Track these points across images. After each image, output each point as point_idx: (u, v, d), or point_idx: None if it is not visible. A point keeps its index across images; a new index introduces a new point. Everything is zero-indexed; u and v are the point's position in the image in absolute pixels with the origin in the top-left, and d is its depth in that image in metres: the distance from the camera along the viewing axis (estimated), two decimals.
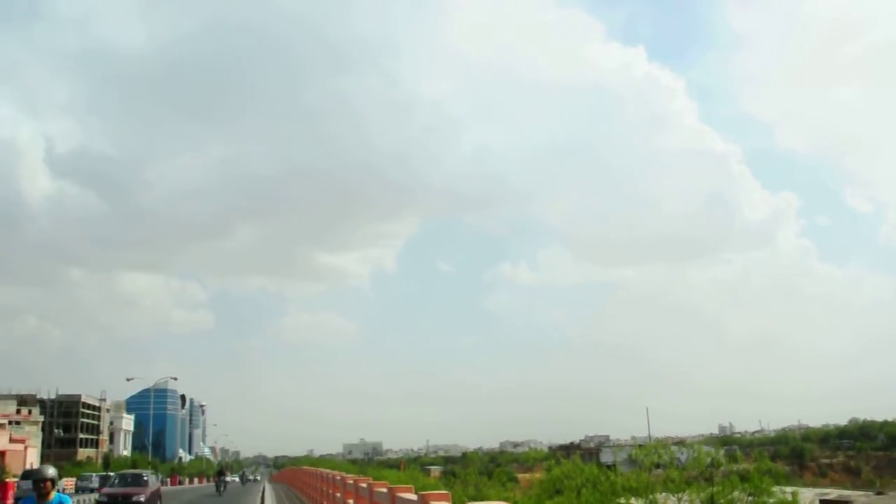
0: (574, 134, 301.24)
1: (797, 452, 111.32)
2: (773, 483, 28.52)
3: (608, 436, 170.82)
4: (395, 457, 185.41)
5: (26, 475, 37.39)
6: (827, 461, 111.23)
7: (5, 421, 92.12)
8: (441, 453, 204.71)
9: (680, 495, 26.66)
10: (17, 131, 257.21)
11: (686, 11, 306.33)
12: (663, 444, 43.57)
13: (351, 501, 12.65)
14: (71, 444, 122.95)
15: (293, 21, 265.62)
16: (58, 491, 8.35)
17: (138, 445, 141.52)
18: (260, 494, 36.56)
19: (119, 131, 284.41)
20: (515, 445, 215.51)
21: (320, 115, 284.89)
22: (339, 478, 15.45)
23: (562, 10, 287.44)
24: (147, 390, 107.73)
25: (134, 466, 76.69)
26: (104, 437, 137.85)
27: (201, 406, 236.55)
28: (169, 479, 77.47)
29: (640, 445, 40.46)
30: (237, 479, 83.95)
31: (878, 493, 60.51)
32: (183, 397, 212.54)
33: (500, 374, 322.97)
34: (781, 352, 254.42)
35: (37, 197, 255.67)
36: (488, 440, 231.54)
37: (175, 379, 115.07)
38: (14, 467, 62.00)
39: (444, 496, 6.57)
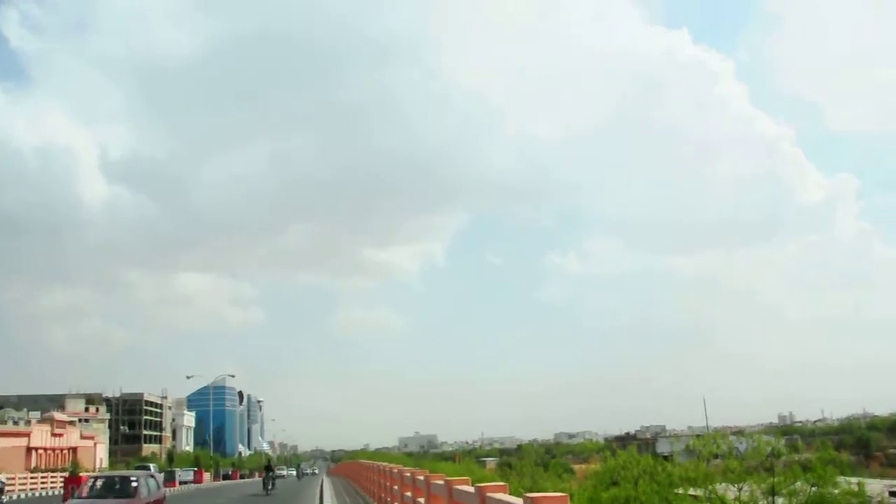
0: (619, 121, 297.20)
1: (862, 442, 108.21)
2: (838, 473, 27.85)
3: (664, 426, 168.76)
4: (450, 449, 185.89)
5: None
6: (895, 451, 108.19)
7: (76, 419, 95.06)
8: (496, 445, 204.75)
9: (740, 486, 26.27)
10: (74, 139, 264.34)
11: None
12: (721, 433, 43.00)
13: (408, 494, 12.79)
14: (136, 440, 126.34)
15: (332, 19, 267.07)
16: None
17: (199, 441, 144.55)
18: (318, 489, 36.75)
19: (168, 135, 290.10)
20: (570, 437, 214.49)
21: (363, 110, 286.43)
22: (395, 471, 15.63)
23: None
24: (206, 387, 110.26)
25: (196, 462, 78.38)
26: (167, 433, 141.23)
27: (258, 402, 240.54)
28: (231, 473, 78.99)
29: (697, 435, 40.03)
30: (293, 474, 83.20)
31: None
32: (241, 394, 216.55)
33: (553, 365, 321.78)
34: (843, 338, 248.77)
35: (94, 202, 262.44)
36: (543, 432, 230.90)
37: (233, 376, 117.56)
38: (85, 462, 64.01)
39: (502, 487, 6.64)
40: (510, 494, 6.45)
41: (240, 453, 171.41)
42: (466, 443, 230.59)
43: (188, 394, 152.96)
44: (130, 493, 18.55)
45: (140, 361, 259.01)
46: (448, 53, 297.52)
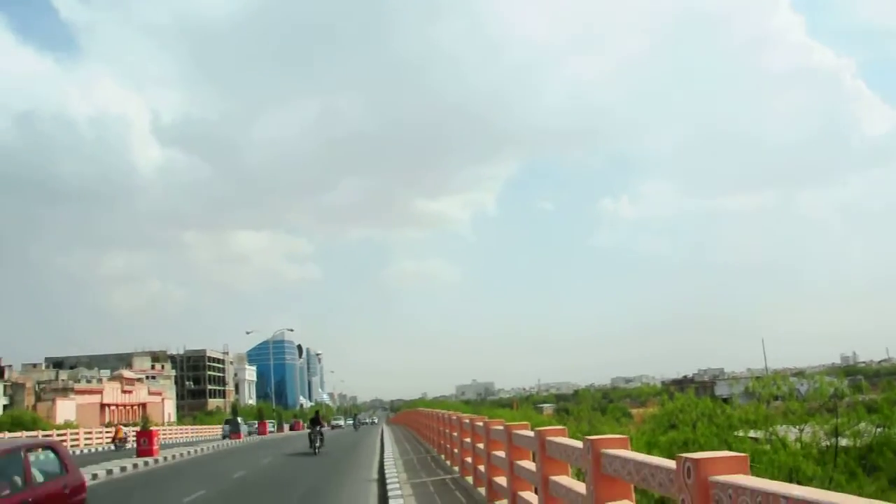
0: (671, 62, 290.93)
1: None
2: None
3: (722, 369, 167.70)
4: (507, 396, 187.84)
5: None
6: None
7: (143, 376, 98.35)
8: (552, 391, 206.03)
9: (801, 427, 25.98)
10: (126, 106, 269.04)
11: None
12: (781, 375, 42.42)
13: (468, 440, 13.00)
14: (201, 395, 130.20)
15: None
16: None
17: (262, 394, 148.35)
18: (378, 439, 37.13)
19: (218, 96, 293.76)
20: (627, 381, 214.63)
21: (413, 62, 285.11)
22: (454, 418, 15.87)
23: None
24: (266, 342, 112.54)
25: (260, 414, 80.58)
26: (230, 387, 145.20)
27: (317, 355, 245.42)
28: (294, 425, 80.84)
29: (756, 377, 39.57)
30: (351, 424, 76.21)
31: None
32: (300, 347, 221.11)
33: (608, 310, 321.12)
34: None
35: (149, 167, 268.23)
36: (600, 377, 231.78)
37: (291, 330, 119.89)
38: (154, 417, 66.36)
39: (561, 431, 6.72)
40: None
41: (301, 405, 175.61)
42: (523, 389, 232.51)
43: (248, 349, 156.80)
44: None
45: (200, 319, 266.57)
46: (496, 1, 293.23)
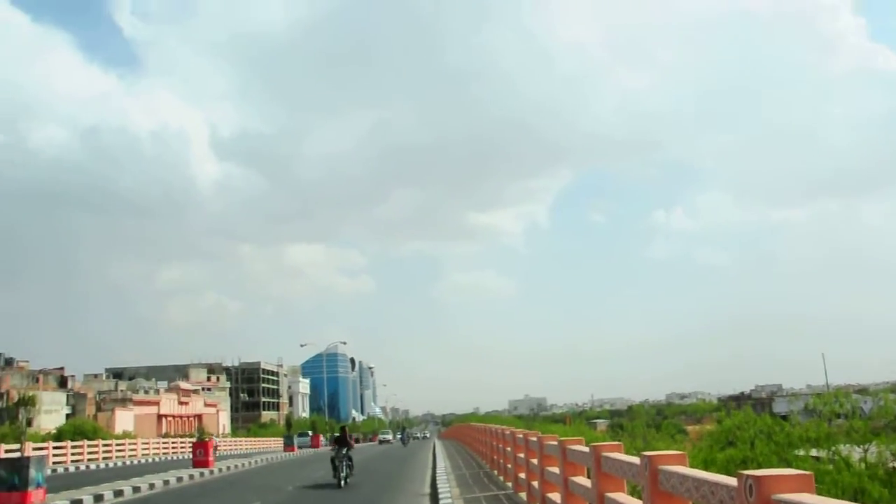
0: (726, 69, 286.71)
1: None
2: None
3: (780, 385, 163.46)
4: (560, 411, 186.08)
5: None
6: None
7: (199, 388, 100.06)
8: (606, 407, 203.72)
9: (866, 446, 25.15)
10: (185, 121, 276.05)
11: None
12: (843, 392, 41.17)
13: (521, 455, 12.89)
14: (255, 407, 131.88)
15: None
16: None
17: (315, 407, 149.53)
18: (430, 454, 36.49)
19: (273, 110, 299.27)
20: (682, 397, 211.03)
21: (463, 74, 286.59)
22: (508, 432, 15.77)
23: None
24: (319, 355, 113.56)
25: (313, 427, 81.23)
26: (284, 400, 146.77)
27: (370, 368, 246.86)
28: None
29: (817, 394, 38.45)
30: (400, 439, 70.28)
31: None
32: (352, 360, 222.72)
33: (662, 324, 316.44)
34: None
35: (206, 180, 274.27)
36: (654, 392, 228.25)
37: (344, 343, 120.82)
38: (210, 428, 67.40)
39: (617, 446, 6.61)
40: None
41: (353, 418, 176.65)
42: (576, 405, 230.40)
43: (302, 362, 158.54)
44: None
45: (255, 331, 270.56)
46: (546, 10, 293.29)
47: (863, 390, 67.06)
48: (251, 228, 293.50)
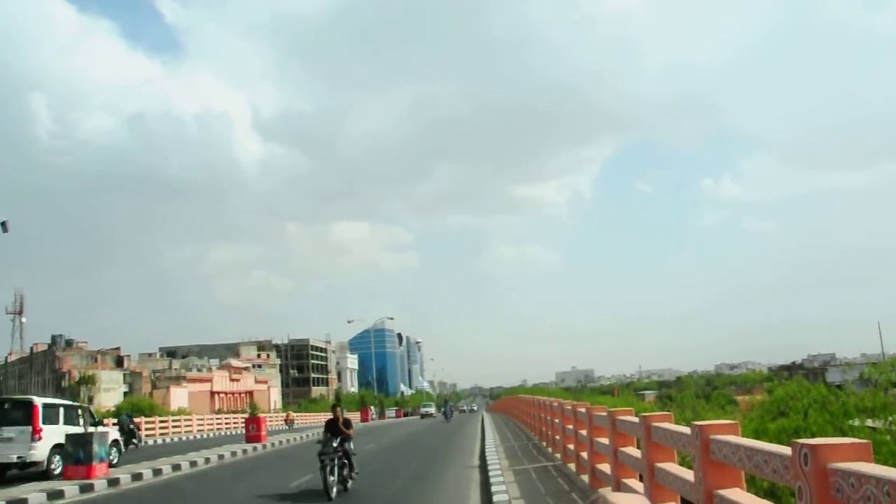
0: (773, 30, 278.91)
1: None
2: None
3: (833, 354, 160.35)
4: (607, 383, 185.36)
5: None
6: None
7: (250, 365, 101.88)
8: (654, 378, 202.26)
9: None
10: (228, 103, 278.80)
11: None
12: None
13: (570, 426, 12.89)
14: (305, 383, 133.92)
15: None
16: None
17: (363, 382, 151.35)
18: (479, 428, 35.93)
19: (314, 89, 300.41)
20: (732, 367, 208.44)
21: (506, 43, 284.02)
22: (556, 404, 15.77)
23: None
24: (367, 331, 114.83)
25: (362, 402, 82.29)
26: (332, 375, 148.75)
27: (417, 343, 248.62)
28: (395, 412, 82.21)
29: (872, 363, 37.63)
30: (442, 413, 60.89)
31: None
32: (399, 336, 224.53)
33: (711, 294, 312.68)
34: None
35: (250, 161, 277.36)
36: (703, 363, 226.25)
37: (391, 319, 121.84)
38: (261, 405, 68.75)
39: (667, 416, 6.57)
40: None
41: (402, 393, 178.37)
42: (623, 376, 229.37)
43: (350, 337, 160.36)
44: None
45: (303, 308, 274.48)
46: None
47: None
48: (296, 207, 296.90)
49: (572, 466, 12.89)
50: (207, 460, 21.85)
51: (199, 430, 44.75)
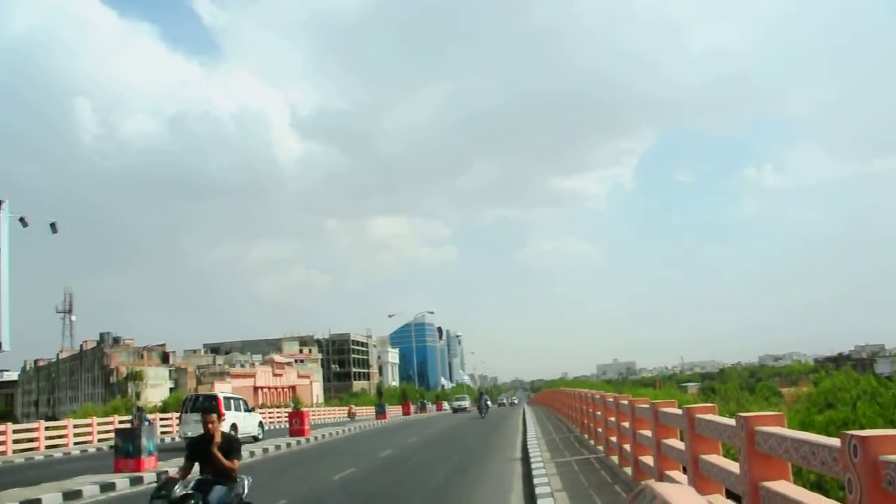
0: (817, 13, 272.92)
1: None
2: None
3: (882, 345, 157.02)
4: (649, 375, 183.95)
5: None
6: None
7: (292, 360, 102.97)
8: (697, 370, 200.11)
9: None
10: (266, 102, 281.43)
11: None
12: None
13: (612, 419, 12.83)
14: (346, 377, 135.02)
15: None
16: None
17: (404, 376, 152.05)
18: (520, 424, 32.55)
19: (350, 87, 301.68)
20: (776, 359, 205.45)
21: (544, 33, 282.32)
22: (598, 396, 15.71)
23: None
24: (407, 325, 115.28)
25: (403, 395, 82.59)
26: (374, 370, 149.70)
27: (457, 336, 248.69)
28: (435, 406, 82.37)
29: None
30: (477, 407, 51.56)
31: None
32: (440, 329, 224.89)
33: (755, 284, 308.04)
34: None
35: (289, 159, 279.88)
36: (746, 354, 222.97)
37: (432, 313, 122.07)
38: (303, 399, 69.45)
39: (710, 408, 6.51)
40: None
41: (442, 386, 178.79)
42: (665, 368, 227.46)
43: (391, 332, 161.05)
44: None
45: (343, 303, 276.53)
46: None
47: None
48: (335, 204, 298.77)
49: (615, 458, 12.83)
50: (252, 454, 22.17)
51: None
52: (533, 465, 13.74)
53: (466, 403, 68.59)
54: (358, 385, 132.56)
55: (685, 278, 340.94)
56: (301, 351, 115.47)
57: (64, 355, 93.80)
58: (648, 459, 9.15)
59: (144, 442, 17.26)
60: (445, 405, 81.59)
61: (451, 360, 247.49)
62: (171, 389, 69.79)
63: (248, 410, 28.76)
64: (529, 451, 16.87)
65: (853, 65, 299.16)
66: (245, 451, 22.19)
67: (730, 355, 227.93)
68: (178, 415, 35.38)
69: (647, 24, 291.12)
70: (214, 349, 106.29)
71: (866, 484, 3.22)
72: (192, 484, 6.98)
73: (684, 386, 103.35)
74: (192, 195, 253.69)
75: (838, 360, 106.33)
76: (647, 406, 9.02)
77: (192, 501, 6.72)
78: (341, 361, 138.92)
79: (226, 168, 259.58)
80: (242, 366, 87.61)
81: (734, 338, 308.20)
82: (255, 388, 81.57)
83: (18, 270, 34.76)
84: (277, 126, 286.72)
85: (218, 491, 6.92)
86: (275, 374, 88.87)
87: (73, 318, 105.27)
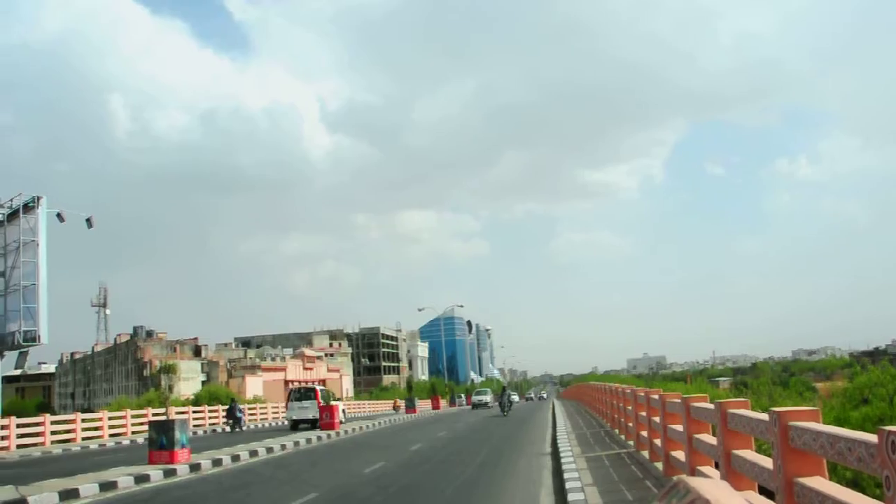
0: (843, 5, 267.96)
1: None
2: None
3: None
4: (680, 370, 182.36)
5: None
6: None
7: (322, 354, 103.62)
8: (728, 364, 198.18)
9: None
10: (296, 97, 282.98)
11: None
12: None
13: (643, 413, 12.77)
14: (376, 371, 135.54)
15: None
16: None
17: (434, 370, 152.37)
18: (549, 423, 30.59)
19: (379, 81, 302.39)
20: (810, 353, 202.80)
21: (572, 23, 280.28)
22: (628, 391, 15.63)
23: None
24: (437, 319, 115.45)
25: (433, 389, 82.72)
26: (403, 364, 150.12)
27: (487, 330, 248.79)
28: (465, 400, 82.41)
29: None
30: (498, 404, 44.47)
31: None
32: (469, 323, 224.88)
33: (788, 277, 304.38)
34: None
35: (319, 153, 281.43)
36: (779, 348, 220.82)
37: (461, 307, 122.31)
38: (334, 392, 69.83)
39: (743, 403, 6.45)
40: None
41: (472, 380, 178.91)
42: (696, 363, 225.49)
43: (420, 326, 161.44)
44: None
45: (373, 297, 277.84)
46: None
47: None
48: (365, 198, 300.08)
49: (645, 453, 12.77)
50: (283, 447, 22.37)
51: (274, 418, 45.76)
52: (563, 460, 13.72)
53: (488, 398, 61.81)
54: (388, 379, 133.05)
55: (717, 270, 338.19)
56: (331, 345, 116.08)
57: (99, 348, 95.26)
58: (680, 454, 9.09)
59: (178, 434, 17.50)
60: (463, 400, 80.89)
61: (480, 355, 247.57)
62: (202, 383, 70.54)
63: (336, 400, 38.33)
64: (559, 445, 16.83)
65: (889, 52, 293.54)
66: (276, 444, 22.41)
67: (762, 350, 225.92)
68: (210, 408, 37.12)
69: (677, 11, 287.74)
70: (245, 343, 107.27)
71: None
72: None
73: (716, 380, 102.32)
74: (223, 190, 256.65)
75: (874, 355, 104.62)
76: (678, 401, 8.96)
77: None
78: (371, 355, 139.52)
79: (256, 162, 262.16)
80: (273, 359, 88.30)
81: (767, 331, 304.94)
82: (286, 382, 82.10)
83: (54, 265, 35.47)
84: (307, 121, 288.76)
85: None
86: (305, 368, 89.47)
87: (108, 311, 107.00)
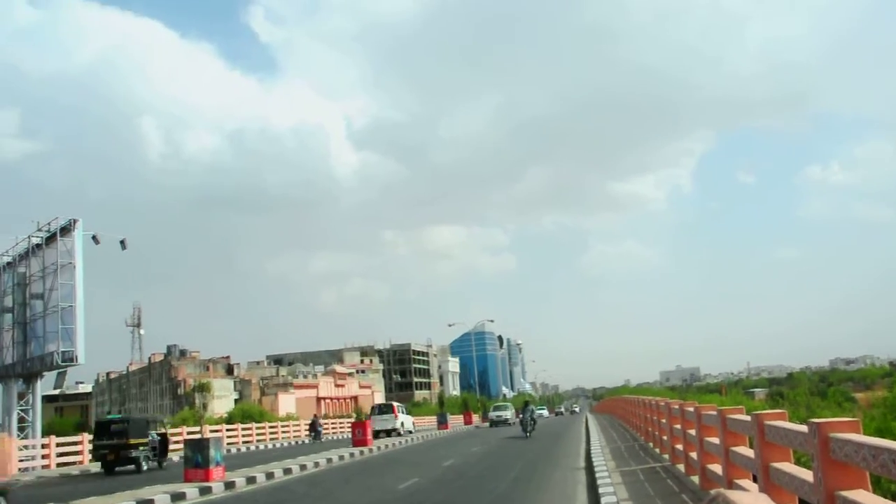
0: (876, 6, 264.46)
1: None
2: None
3: None
4: (714, 381, 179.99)
5: None
6: None
7: (353, 370, 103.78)
8: (763, 375, 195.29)
9: None
10: (322, 115, 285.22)
11: None
12: None
13: (678, 426, 12.62)
14: (408, 387, 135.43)
15: None
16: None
17: (465, 385, 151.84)
18: (583, 438, 29.22)
19: (405, 98, 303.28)
20: (848, 363, 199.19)
21: (596, 34, 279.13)
22: (662, 404, 15.47)
23: None
24: (467, 334, 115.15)
25: (465, 405, 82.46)
26: (435, 379, 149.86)
27: (518, 344, 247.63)
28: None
29: None
30: (520, 421, 35.84)
31: None
32: (500, 338, 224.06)
33: (824, 286, 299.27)
34: None
35: (346, 171, 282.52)
36: (816, 358, 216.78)
37: (492, 321, 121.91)
38: (365, 409, 69.88)
39: (781, 414, 6.35)
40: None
41: (504, 395, 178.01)
42: (731, 374, 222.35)
43: (451, 341, 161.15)
44: None
45: (403, 313, 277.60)
46: None
47: None
48: (392, 214, 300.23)
49: (681, 467, 12.61)
50: (317, 464, 22.42)
51: (306, 435, 45.91)
52: (597, 474, 13.60)
53: (508, 414, 55.04)
54: (419, 395, 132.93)
55: (750, 280, 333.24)
56: (362, 361, 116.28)
57: (133, 368, 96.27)
58: (716, 468, 8.97)
59: (213, 453, 17.65)
60: None
61: (511, 369, 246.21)
62: (235, 401, 71.01)
63: (407, 413, 45.07)
64: (593, 459, 16.69)
65: None
66: (309, 461, 22.48)
67: (798, 360, 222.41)
68: (242, 426, 37.50)
69: (704, 17, 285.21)
70: (277, 360, 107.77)
71: None
72: None
73: (751, 392, 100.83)
74: (253, 209, 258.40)
75: None
76: (714, 413, 8.85)
77: None
78: (402, 371, 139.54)
79: (284, 181, 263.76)
80: (305, 377, 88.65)
81: (802, 340, 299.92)
82: (318, 399, 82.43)
83: (90, 286, 36.01)
84: (334, 139, 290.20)
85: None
86: (337, 385, 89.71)
87: (142, 331, 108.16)
